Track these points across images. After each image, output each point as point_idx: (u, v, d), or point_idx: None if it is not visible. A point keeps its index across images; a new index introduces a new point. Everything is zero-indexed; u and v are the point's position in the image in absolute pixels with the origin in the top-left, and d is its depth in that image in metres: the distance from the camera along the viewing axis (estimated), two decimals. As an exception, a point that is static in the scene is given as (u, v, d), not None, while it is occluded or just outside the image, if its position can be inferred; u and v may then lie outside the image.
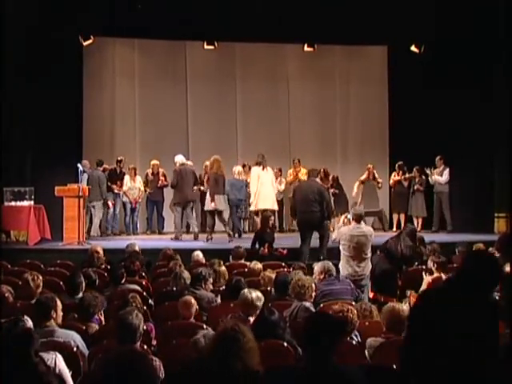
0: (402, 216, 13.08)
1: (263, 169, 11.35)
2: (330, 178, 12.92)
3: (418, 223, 12.80)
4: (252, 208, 11.74)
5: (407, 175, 13.11)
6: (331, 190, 12.59)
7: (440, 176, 12.61)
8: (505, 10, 11.24)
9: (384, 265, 7.72)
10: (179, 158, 11.76)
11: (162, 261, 8.07)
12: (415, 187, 12.95)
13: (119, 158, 12.90)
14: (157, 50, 14.05)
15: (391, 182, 13.26)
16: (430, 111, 13.33)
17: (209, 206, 11.03)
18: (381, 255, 7.86)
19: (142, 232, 13.14)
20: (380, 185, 13.38)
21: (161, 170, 13.01)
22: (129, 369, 2.92)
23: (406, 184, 13.11)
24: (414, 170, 12.98)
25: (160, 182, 12.93)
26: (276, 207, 11.71)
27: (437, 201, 12.74)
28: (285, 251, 9.12)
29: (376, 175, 13.37)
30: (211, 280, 6.24)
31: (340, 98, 14.71)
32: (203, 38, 13.44)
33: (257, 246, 9.31)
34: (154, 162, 13.00)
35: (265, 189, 11.27)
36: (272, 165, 13.44)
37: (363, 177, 13.40)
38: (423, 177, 12.93)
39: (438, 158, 12.71)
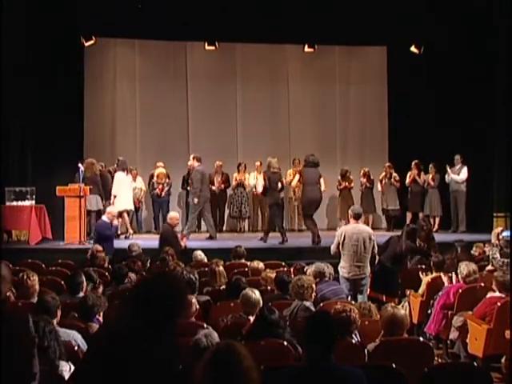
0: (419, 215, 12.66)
1: (127, 174, 12.03)
2: (362, 173, 13.35)
3: (434, 223, 12.66)
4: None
5: (424, 175, 12.91)
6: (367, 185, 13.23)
7: (457, 175, 12.53)
8: (503, 9, 11.28)
9: (385, 264, 7.75)
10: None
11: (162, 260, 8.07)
12: (428, 183, 12.80)
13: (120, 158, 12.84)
14: (157, 51, 14.06)
15: (407, 180, 13.05)
16: (429, 111, 13.35)
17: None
18: (384, 254, 7.90)
19: (146, 231, 13.18)
20: (396, 183, 13.11)
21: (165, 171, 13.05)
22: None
23: (421, 182, 12.92)
24: (430, 165, 12.88)
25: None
26: (132, 207, 12.36)
27: (452, 200, 12.67)
28: None
29: (393, 174, 13.17)
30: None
31: (340, 98, 14.72)
32: (204, 38, 13.44)
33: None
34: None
35: (125, 192, 11.94)
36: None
37: (381, 175, 13.31)
38: (438, 174, 12.79)
39: (457, 156, 12.54)
